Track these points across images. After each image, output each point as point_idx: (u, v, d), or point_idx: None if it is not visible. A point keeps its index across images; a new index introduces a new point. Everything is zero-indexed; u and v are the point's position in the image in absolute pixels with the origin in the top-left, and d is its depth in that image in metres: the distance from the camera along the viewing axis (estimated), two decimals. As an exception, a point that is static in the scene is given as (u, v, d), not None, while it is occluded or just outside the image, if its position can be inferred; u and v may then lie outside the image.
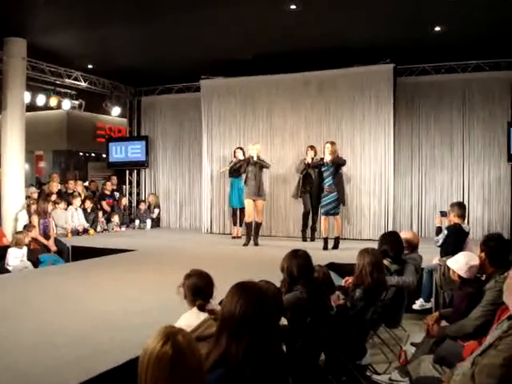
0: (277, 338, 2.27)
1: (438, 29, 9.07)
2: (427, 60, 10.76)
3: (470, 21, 8.63)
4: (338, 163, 9.22)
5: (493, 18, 8.44)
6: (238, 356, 2.10)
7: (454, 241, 6.31)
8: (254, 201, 9.76)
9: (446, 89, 10.93)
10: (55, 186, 11.86)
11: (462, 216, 6.66)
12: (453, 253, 4.84)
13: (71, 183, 12.55)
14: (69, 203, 11.34)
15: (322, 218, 9.42)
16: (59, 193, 11.82)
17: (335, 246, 9.23)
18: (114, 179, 14.00)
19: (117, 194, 13.48)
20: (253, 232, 9.81)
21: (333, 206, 9.19)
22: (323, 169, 9.27)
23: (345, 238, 10.10)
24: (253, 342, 2.11)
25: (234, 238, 11.00)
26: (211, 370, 2.06)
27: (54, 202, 10.80)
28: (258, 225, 9.89)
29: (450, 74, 10.87)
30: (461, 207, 6.75)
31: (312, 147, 10.33)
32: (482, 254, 4.07)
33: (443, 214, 7.12)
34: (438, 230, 6.69)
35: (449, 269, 4.38)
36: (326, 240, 9.20)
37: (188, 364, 1.77)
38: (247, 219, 9.87)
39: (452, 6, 8.04)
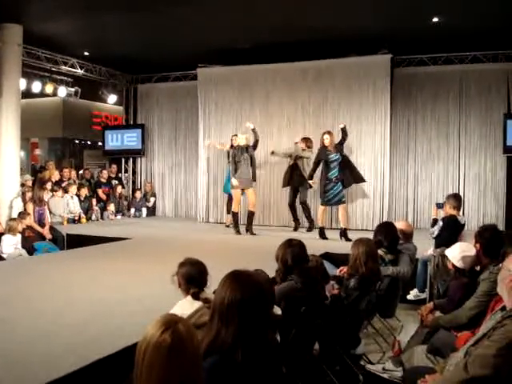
0: (268, 325, 2.30)
1: (435, 20, 9.04)
2: (425, 51, 10.73)
3: (467, 12, 8.60)
4: (342, 147, 9.28)
5: (491, 10, 8.40)
6: (228, 340, 2.14)
7: (450, 232, 6.34)
8: (242, 190, 9.71)
9: (443, 80, 10.90)
10: (55, 175, 11.78)
11: (458, 208, 6.67)
12: (447, 244, 4.85)
13: (66, 171, 12.46)
14: (65, 191, 11.30)
15: (322, 208, 9.33)
16: (56, 181, 11.76)
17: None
18: (114, 167, 13.95)
19: (115, 182, 13.39)
20: (247, 222, 9.78)
21: (342, 194, 9.17)
22: (331, 159, 9.13)
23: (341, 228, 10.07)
24: (242, 327, 2.16)
25: (227, 226, 10.88)
26: (205, 356, 2.09)
27: (52, 190, 10.76)
28: (253, 214, 9.87)
29: (448, 66, 10.85)
30: (456, 199, 6.76)
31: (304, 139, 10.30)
32: (477, 245, 4.09)
33: (439, 205, 7.13)
34: (434, 222, 6.71)
35: (443, 260, 4.39)
36: (323, 229, 9.22)
37: (186, 353, 1.77)
38: (236, 209, 9.79)
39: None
